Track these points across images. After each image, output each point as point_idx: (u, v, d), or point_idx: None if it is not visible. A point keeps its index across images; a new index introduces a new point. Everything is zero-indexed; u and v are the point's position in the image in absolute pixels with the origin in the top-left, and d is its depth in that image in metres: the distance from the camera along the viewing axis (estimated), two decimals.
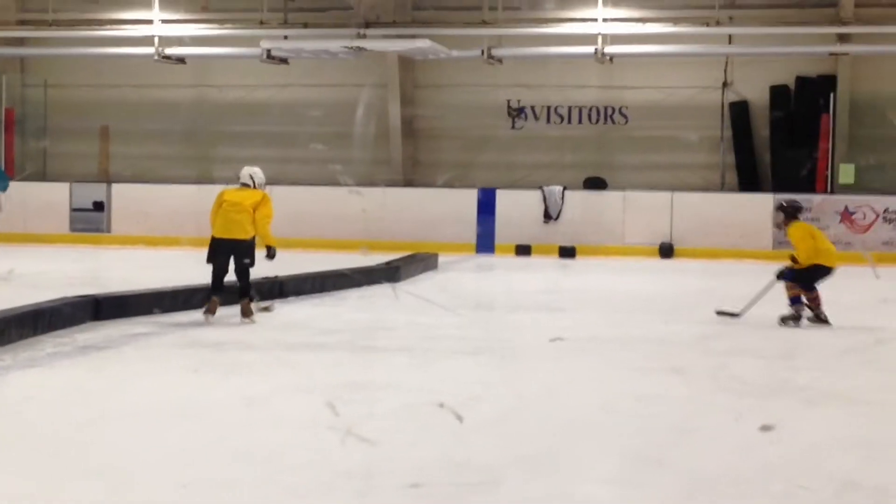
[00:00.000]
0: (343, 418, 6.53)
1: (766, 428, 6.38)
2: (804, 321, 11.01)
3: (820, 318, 10.99)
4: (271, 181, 21.74)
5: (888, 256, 18.91)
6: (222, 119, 23.93)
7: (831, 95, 21.06)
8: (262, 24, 21.66)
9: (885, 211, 19.43)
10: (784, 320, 11.05)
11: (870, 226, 19.41)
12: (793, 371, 8.56)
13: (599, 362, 8.98)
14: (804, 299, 11.03)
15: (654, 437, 6.28)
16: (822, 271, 11.02)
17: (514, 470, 5.52)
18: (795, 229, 11.30)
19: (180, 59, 22.05)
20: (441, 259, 17.61)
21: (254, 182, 11.75)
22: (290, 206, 20.41)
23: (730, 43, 21.86)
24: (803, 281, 10.96)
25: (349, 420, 6.48)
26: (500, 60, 20.87)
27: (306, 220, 20.80)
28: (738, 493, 5.15)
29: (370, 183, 22.04)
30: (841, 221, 19.59)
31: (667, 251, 19.97)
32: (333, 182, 21.84)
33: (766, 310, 12.32)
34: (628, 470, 5.56)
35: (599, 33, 20.58)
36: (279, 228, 19.30)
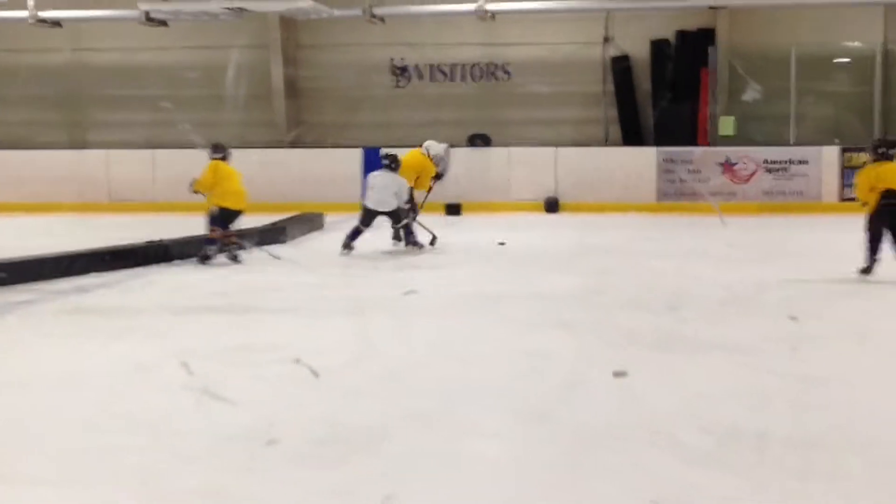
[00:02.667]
0: (231, 382, 6.51)
1: (619, 374, 6.49)
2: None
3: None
4: (152, 145, 21.51)
5: (769, 206, 19.30)
6: (100, 83, 23.50)
7: (711, 49, 21.33)
8: None
9: (765, 161, 19.78)
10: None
11: (751, 176, 19.76)
12: (677, 322, 8.68)
13: (486, 318, 9.04)
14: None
15: (540, 391, 6.35)
16: None
17: (402, 427, 5.55)
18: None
19: (56, 23, 21.55)
20: (328, 219, 17.55)
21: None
22: (174, 169, 20.18)
23: None
24: None
25: (237, 384, 6.46)
26: (381, 19, 20.75)
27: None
28: (623, 446, 5.24)
29: (246, 144, 21.82)
30: (723, 173, 19.90)
31: (552, 206, 20.13)
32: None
33: (655, 263, 12.54)
34: (515, 425, 5.62)
35: None
36: (163, 192, 19.05)
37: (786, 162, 19.77)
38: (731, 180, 19.87)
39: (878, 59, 21.27)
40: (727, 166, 19.92)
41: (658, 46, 22.16)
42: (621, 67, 22.30)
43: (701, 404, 5.99)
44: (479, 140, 21.75)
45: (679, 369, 6.90)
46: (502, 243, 14.24)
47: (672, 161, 19.95)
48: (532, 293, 10.37)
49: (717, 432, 5.42)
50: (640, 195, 19.85)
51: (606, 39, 22.53)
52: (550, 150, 20.63)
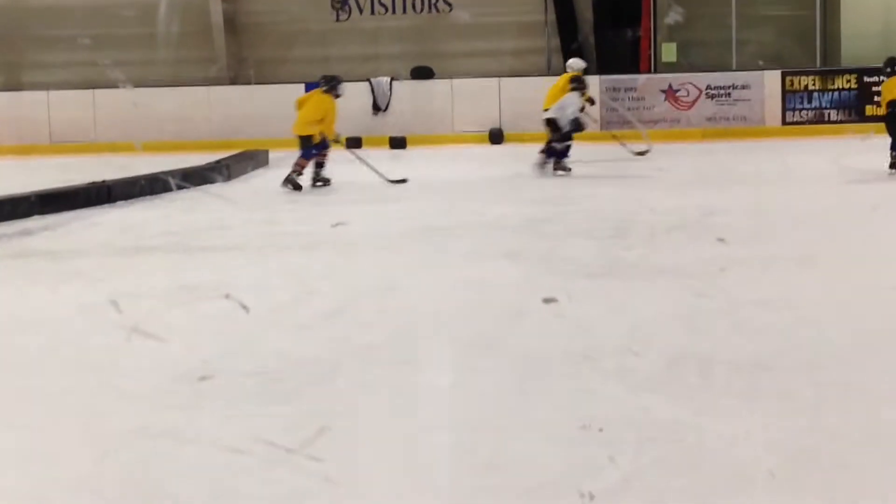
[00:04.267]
0: (177, 321, 6.49)
1: (548, 300, 6.53)
2: None
3: None
4: (91, 85, 21.19)
5: (712, 132, 19.37)
6: (34, 23, 23.12)
7: None
8: None
9: (708, 87, 19.85)
10: None
11: (693, 102, 19.83)
12: (623, 249, 8.72)
13: (431, 250, 9.06)
14: None
15: (486, 321, 6.37)
16: None
17: (351, 361, 5.56)
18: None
19: None
20: (272, 155, 17.45)
21: None
22: (114, 109, 19.95)
23: None
24: None
25: (182, 323, 6.44)
26: None
27: (131, 123, 20.30)
28: (570, 372, 5.26)
29: (184, 83, 21.59)
30: (666, 99, 19.96)
31: (497, 137, 20.12)
32: (158, 83, 21.40)
33: (600, 191, 12.60)
34: (463, 355, 5.64)
35: None
36: (104, 133, 18.82)
37: (728, 87, 19.84)
38: (675, 107, 19.93)
39: None
40: (670, 93, 19.97)
41: None
42: None
43: (646, 329, 6.03)
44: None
45: (624, 296, 6.94)
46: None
47: (615, 90, 19.96)
48: (477, 224, 10.39)
49: (662, 357, 5.45)
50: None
51: None
52: (493, 81, 20.58)
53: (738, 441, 4.26)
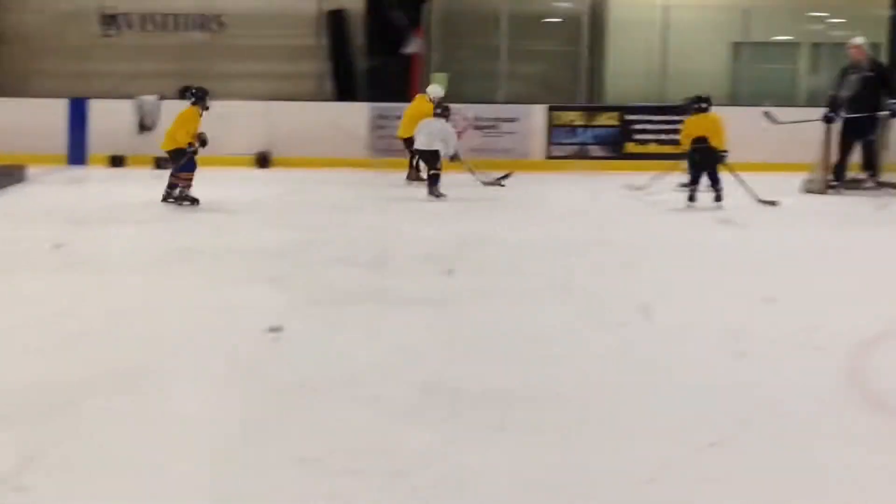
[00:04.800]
0: None
1: (274, 329, 6.54)
2: None
3: None
4: None
5: (479, 163, 19.63)
6: None
7: (425, 5, 21.54)
8: None
9: (476, 118, 20.14)
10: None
11: (462, 132, 20.07)
12: (382, 277, 8.77)
13: (193, 273, 8.92)
14: None
15: (243, 347, 6.30)
16: None
17: (100, 387, 5.41)
18: None
19: None
20: (30, 171, 16.89)
21: None
22: None
23: None
24: None
25: None
26: None
27: None
28: (326, 397, 5.26)
29: None
30: None
31: (264, 161, 19.96)
32: None
33: (365, 218, 12.63)
34: (216, 382, 5.57)
35: None
36: None
37: (495, 119, 20.18)
38: None
39: (586, 19, 21.92)
40: None
41: (373, 1, 22.24)
42: (336, 21, 22.28)
43: (401, 358, 6.07)
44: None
45: (381, 323, 6.97)
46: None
47: (384, 117, 20.06)
48: (240, 248, 10.28)
49: (416, 386, 5.49)
50: (352, 150, 19.87)
51: None
52: (263, 104, 20.41)
53: (487, 472, 4.32)
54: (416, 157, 15.95)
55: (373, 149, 19.82)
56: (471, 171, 16.12)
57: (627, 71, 21.15)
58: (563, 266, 9.45)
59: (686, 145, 14.04)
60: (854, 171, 15.72)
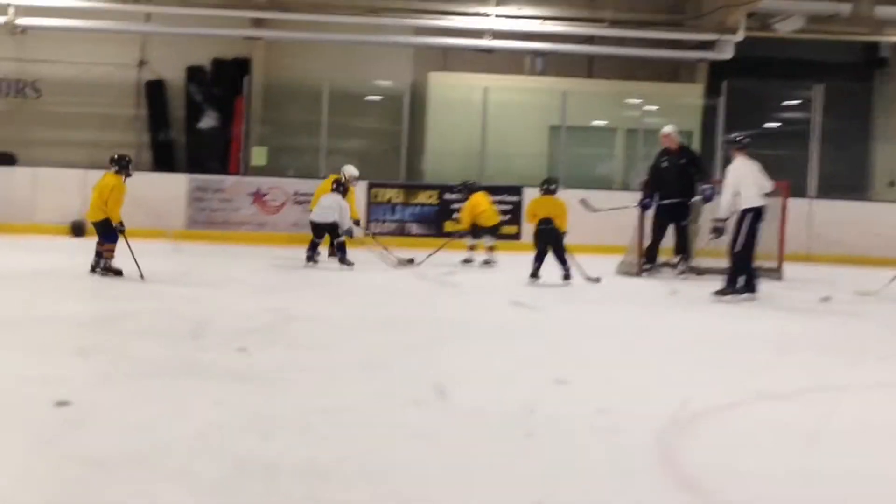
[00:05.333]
0: None
1: (61, 404, 6.38)
2: None
3: None
4: None
5: (298, 237, 19.56)
6: None
7: (246, 78, 21.55)
8: None
9: (295, 193, 20.13)
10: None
11: (280, 207, 20.06)
12: (199, 350, 8.65)
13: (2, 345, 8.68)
14: None
15: (49, 421, 6.11)
16: None
17: None
18: None
19: None
20: None
21: None
22: None
23: (147, 21, 21.84)
24: None
25: None
26: None
27: None
28: (132, 475, 5.14)
29: None
30: (253, 203, 20.10)
31: (78, 230, 19.57)
32: None
33: (181, 290, 12.46)
34: (16, 457, 5.40)
35: (10, 3, 19.89)
36: None
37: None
38: (262, 211, 20.09)
39: (407, 98, 22.19)
40: (258, 196, 20.13)
41: (194, 73, 22.17)
42: (156, 92, 22.13)
43: (215, 434, 5.97)
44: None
45: (195, 397, 6.86)
46: None
47: (203, 189, 19.92)
48: (48, 318, 10.01)
49: (228, 462, 5.41)
50: (171, 222, 19.65)
51: (142, 63, 22.31)
52: (79, 172, 20.03)
53: None
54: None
55: (191, 220, 19.62)
56: (384, 248, 16.52)
57: (447, 150, 21.46)
58: (371, 343, 9.45)
59: (532, 224, 14.61)
60: (667, 256, 16.18)
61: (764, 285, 13.92)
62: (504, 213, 19.35)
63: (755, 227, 13.29)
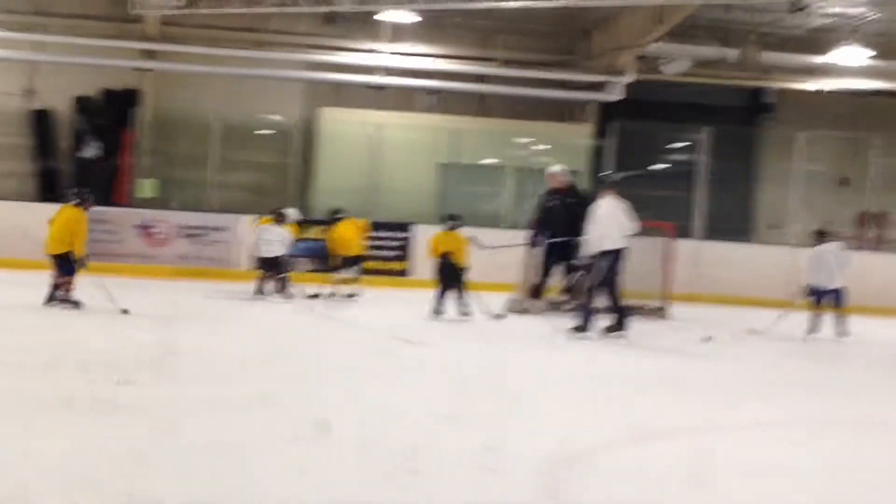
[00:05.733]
0: None
1: None
2: None
3: None
4: None
5: (185, 271, 19.38)
6: None
7: (135, 110, 21.34)
8: None
9: (183, 226, 19.94)
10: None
11: (167, 240, 19.85)
12: (83, 384, 8.46)
13: None
14: None
15: None
16: None
17: None
18: None
19: None
20: None
21: None
22: None
23: (36, 50, 21.54)
24: None
25: None
26: None
27: None
28: None
29: None
30: (140, 235, 19.85)
31: None
32: None
33: (70, 323, 12.25)
34: None
35: None
36: None
37: (204, 228, 20.02)
38: (148, 243, 19.85)
39: (297, 133, 22.15)
40: (144, 229, 19.89)
41: (82, 103, 21.90)
42: (42, 121, 21.81)
43: (97, 469, 5.88)
44: None
45: (80, 432, 6.74)
46: None
47: (89, 220, 19.61)
48: None
49: (110, 498, 5.34)
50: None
51: (29, 91, 21.98)
52: None
53: None
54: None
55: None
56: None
57: (338, 186, 21.41)
58: (257, 378, 9.41)
59: (434, 259, 14.85)
60: (555, 294, 16.33)
61: (649, 325, 14.14)
62: (393, 249, 19.42)
63: (615, 268, 13.39)
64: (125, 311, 13.11)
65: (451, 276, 14.62)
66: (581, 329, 13.22)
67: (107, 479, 5.71)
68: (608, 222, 13.40)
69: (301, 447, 6.72)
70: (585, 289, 13.59)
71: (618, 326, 13.36)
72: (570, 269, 16.07)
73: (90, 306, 13.56)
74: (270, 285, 16.43)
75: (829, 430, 8.54)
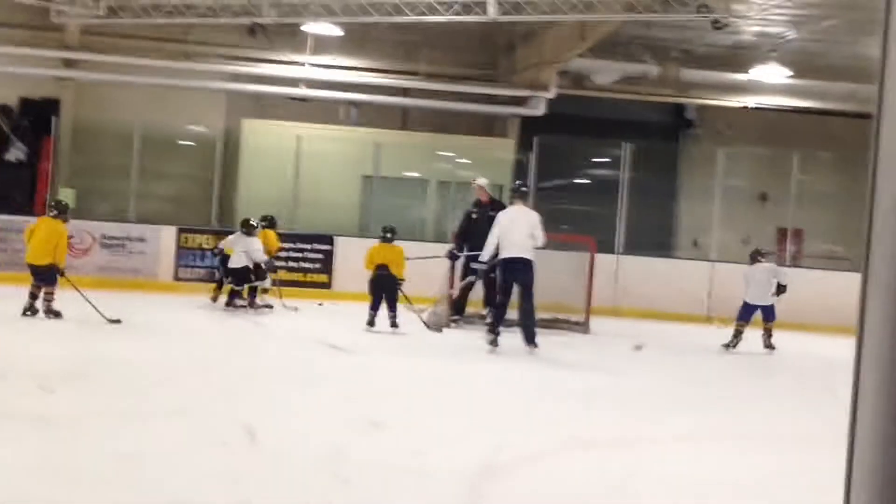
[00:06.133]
0: None
1: None
2: None
3: None
4: None
5: (105, 282, 19.15)
6: None
7: (55, 119, 21.10)
8: None
9: (103, 236, 19.72)
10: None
11: (87, 250, 19.60)
12: (1, 393, 8.42)
13: None
14: None
15: None
16: None
17: None
18: None
19: None
20: None
21: None
22: None
23: None
24: None
25: None
26: None
27: None
28: None
29: None
30: None
31: None
32: None
33: None
34: None
35: None
36: None
37: (124, 238, 19.81)
38: (69, 254, 19.57)
39: (220, 144, 22.02)
40: None
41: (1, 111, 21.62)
42: None
43: (16, 479, 5.83)
44: None
45: (2, 442, 6.66)
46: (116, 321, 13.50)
47: (5, 230, 19.36)
48: None
49: None
50: None
51: None
52: None
53: None
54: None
55: None
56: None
57: (260, 197, 21.28)
58: (182, 387, 9.40)
59: (369, 270, 14.85)
60: (477, 307, 16.34)
61: (572, 338, 14.18)
62: (315, 261, 19.38)
63: (518, 278, 13.40)
64: (116, 321, 13.60)
65: (385, 288, 14.69)
66: (494, 342, 13.22)
67: (29, 490, 5.65)
68: (513, 231, 13.41)
69: (224, 454, 6.69)
70: (484, 299, 13.68)
71: (530, 340, 13.27)
72: (491, 283, 15.95)
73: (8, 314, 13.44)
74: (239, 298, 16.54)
75: (756, 443, 8.64)
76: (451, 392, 10.23)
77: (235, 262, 16.50)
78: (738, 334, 15.11)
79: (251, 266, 16.39)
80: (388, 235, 15.17)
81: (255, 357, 12.03)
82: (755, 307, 15.16)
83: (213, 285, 17.73)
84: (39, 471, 6.04)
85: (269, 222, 17.57)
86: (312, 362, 11.68)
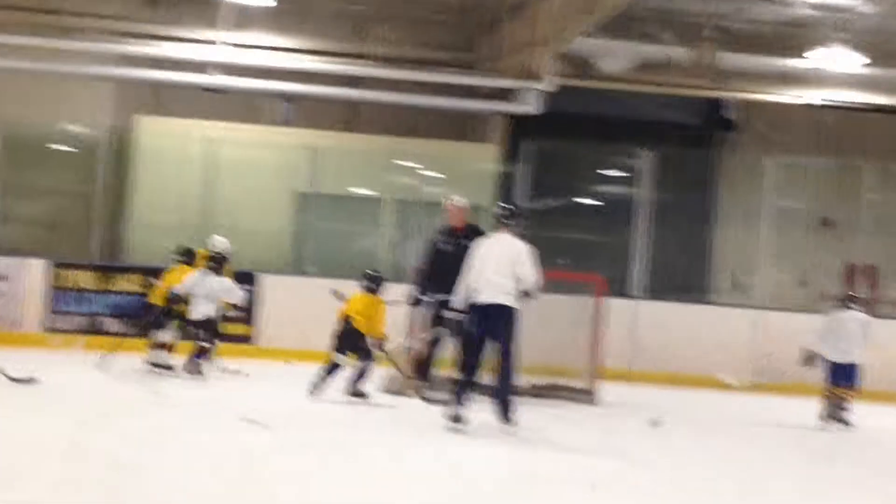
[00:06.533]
0: None
1: None
2: None
3: None
4: None
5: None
6: None
7: None
8: None
9: None
10: None
11: None
12: None
13: None
14: None
15: None
16: None
17: None
18: None
19: None
20: None
21: None
22: None
23: None
24: None
25: None
26: None
27: None
28: None
29: None
30: None
31: None
32: None
33: None
34: None
35: None
36: None
37: None
38: None
39: (105, 149, 21.85)
40: None
41: None
42: None
43: None
44: None
45: None
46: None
47: None
48: None
49: None
50: None
51: None
52: None
53: None
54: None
55: None
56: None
57: (159, 220, 21.13)
58: (48, 472, 9.26)
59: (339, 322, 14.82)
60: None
61: (572, 411, 14.07)
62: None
63: (500, 331, 13.05)
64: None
65: (348, 345, 14.66)
66: (456, 418, 12.88)
67: None
68: (487, 266, 13.03)
69: None
70: (457, 358, 13.47)
71: (504, 414, 12.95)
72: (434, 325, 15.66)
73: None
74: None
75: None
76: (402, 491, 10.01)
77: (200, 312, 16.19)
78: (839, 402, 15.11)
79: (215, 315, 16.35)
80: (368, 284, 14.95)
81: (153, 432, 11.82)
82: (843, 367, 15.12)
83: (115, 338, 17.42)
84: None
85: (188, 256, 17.15)
86: (225, 438, 11.53)
